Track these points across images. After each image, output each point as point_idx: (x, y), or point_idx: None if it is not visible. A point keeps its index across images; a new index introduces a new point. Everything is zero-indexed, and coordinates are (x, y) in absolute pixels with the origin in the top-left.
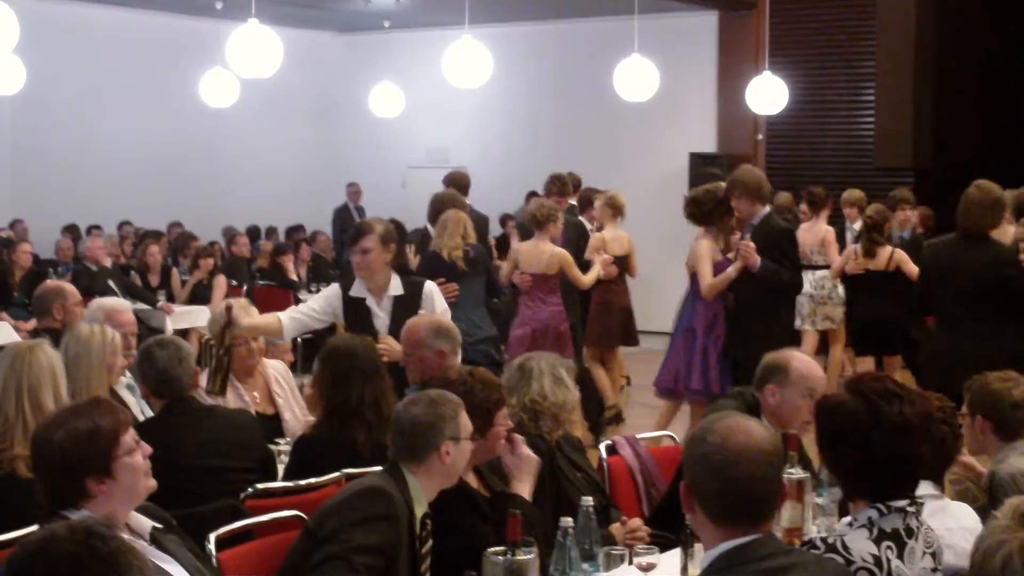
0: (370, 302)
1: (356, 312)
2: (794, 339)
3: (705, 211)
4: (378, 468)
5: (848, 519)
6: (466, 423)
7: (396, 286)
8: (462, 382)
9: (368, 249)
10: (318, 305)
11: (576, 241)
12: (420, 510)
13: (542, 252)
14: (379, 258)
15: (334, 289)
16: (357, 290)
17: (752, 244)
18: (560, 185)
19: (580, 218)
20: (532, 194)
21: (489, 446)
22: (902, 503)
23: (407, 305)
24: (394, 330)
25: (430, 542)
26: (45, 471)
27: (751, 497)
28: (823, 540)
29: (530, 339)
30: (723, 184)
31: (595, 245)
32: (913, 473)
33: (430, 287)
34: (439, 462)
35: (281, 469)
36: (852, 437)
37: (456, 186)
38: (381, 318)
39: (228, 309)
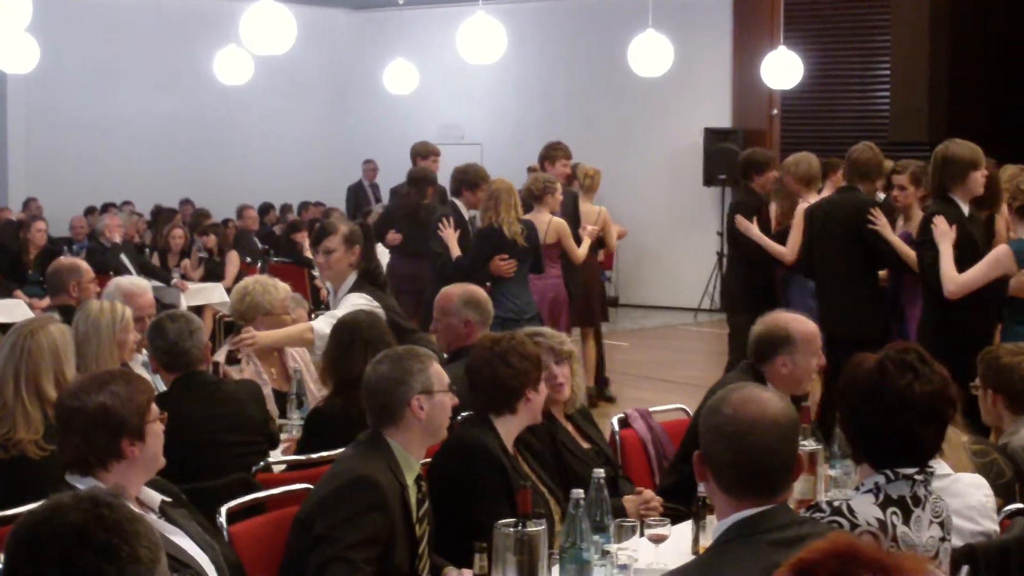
0: (331, 298)
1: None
2: None
3: None
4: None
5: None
6: (439, 375)
7: (344, 288)
8: (509, 336)
9: (331, 250)
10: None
11: (573, 213)
12: (411, 475)
13: (541, 222)
14: (342, 260)
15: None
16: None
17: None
18: (564, 151)
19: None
20: (532, 169)
21: (540, 401)
22: (910, 471)
23: None
24: None
25: (427, 504)
26: (82, 429)
27: (762, 468)
28: (828, 503)
29: None
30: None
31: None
32: (912, 447)
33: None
34: (415, 419)
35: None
36: (853, 399)
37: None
38: None
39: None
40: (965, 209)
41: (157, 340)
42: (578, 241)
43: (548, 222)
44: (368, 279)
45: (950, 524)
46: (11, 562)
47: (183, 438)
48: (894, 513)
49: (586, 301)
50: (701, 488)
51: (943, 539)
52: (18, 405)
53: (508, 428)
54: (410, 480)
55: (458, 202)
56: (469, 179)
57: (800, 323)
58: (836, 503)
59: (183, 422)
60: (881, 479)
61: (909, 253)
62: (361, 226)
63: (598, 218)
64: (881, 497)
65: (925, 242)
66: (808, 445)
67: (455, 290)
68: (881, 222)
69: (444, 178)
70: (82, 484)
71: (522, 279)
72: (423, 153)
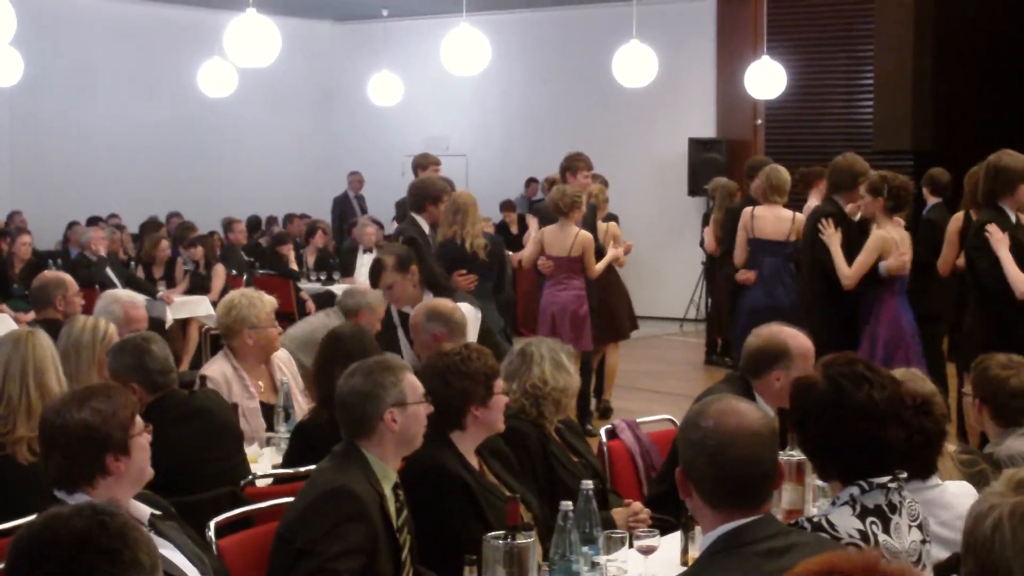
0: (395, 318)
1: (386, 325)
2: None
3: None
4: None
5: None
6: (413, 386)
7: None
8: (457, 352)
9: (391, 285)
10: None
11: (592, 226)
12: (388, 484)
13: (567, 235)
14: (404, 287)
15: None
16: None
17: None
18: (586, 162)
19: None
20: (531, 180)
21: (492, 416)
22: (883, 479)
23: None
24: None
25: (406, 512)
26: (65, 446)
27: (745, 480)
28: (808, 520)
29: (550, 322)
30: None
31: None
32: (880, 456)
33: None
34: (388, 431)
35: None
36: (816, 419)
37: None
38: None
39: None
40: (1013, 217)
41: (148, 361)
42: (601, 255)
43: (575, 235)
44: (442, 291)
45: (927, 525)
46: (13, 573)
47: (167, 459)
48: (873, 523)
49: (610, 315)
50: None
51: (924, 541)
52: (23, 402)
53: (463, 443)
54: (387, 489)
55: (419, 218)
56: (431, 194)
57: (797, 338)
58: (815, 519)
59: (164, 443)
60: (856, 490)
61: (843, 268)
62: (408, 241)
63: (605, 235)
64: (858, 508)
65: (977, 248)
66: (796, 455)
67: (422, 307)
68: (827, 232)
69: None
70: (72, 500)
71: (485, 295)
72: (424, 164)
